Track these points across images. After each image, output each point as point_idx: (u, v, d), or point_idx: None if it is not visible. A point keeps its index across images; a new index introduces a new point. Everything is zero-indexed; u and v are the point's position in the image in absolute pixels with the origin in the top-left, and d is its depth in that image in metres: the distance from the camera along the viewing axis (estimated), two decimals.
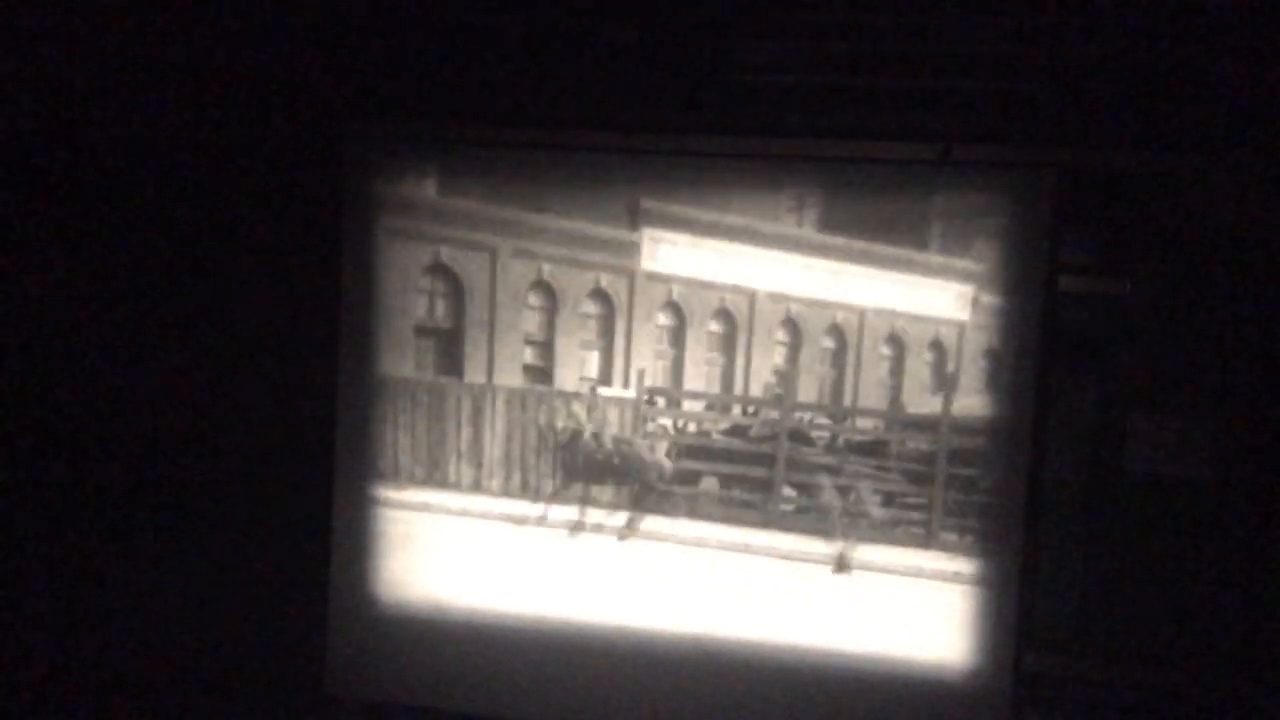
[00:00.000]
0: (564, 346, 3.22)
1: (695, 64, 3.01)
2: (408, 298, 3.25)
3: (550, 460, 3.26)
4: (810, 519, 3.16)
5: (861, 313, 3.11)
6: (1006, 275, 2.97)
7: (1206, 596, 2.99)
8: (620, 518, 3.24)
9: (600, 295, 3.19)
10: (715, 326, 3.17)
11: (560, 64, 3.07)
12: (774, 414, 3.16)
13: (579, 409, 3.23)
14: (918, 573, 3.09)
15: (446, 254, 3.24)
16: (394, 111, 3.20)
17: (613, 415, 3.22)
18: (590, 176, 3.14)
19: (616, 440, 3.23)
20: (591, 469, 3.25)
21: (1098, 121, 2.90)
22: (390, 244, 3.24)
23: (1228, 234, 2.92)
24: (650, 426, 3.23)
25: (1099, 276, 2.99)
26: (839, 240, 3.07)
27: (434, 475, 3.31)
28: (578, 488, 3.27)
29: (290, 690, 3.36)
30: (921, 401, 3.09)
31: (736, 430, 3.20)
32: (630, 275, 3.17)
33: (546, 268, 3.20)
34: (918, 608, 3.08)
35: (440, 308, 3.26)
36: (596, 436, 3.23)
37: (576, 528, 3.26)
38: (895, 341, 3.10)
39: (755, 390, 3.17)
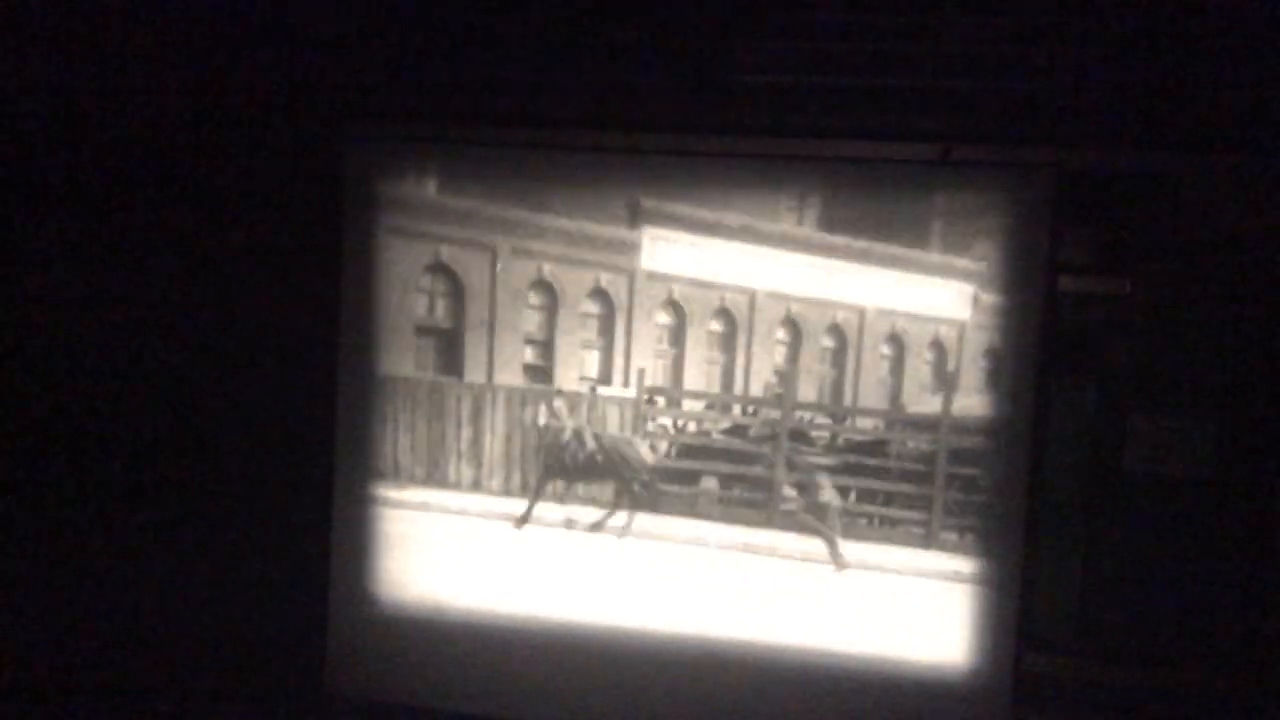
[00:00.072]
0: (564, 346, 3.22)
1: (695, 64, 3.01)
2: (408, 297, 3.25)
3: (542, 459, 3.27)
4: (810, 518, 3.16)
5: (862, 312, 3.11)
6: (1006, 275, 2.97)
7: (1206, 596, 2.99)
8: (601, 514, 3.24)
9: (600, 294, 3.19)
10: (715, 326, 3.17)
11: (560, 64, 3.07)
12: (774, 413, 3.16)
13: (560, 406, 3.22)
14: (917, 572, 3.09)
15: (447, 253, 3.24)
16: (395, 112, 3.20)
17: (601, 413, 3.22)
18: (590, 176, 3.14)
19: (598, 438, 3.23)
20: (573, 467, 3.26)
21: (1098, 121, 2.90)
22: (391, 243, 3.24)
23: (1228, 234, 2.93)
24: (650, 426, 3.23)
25: (1099, 276, 2.99)
26: (839, 239, 3.07)
27: (434, 475, 3.31)
28: (560, 485, 3.27)
29: (290, 689, 3.35)
30: (921, 401, 3.09)
31: (736, 430, 3.20)
32: (630, 274, 3.17)
33: (547, 267, 3.20)
34: (918, 607, 3.08)
35: (440, 307, 3.26)
36: (578, 434, 3.23)
37: (565, 525, 3.27)
38: (895, 341, 3.10)
39: (755, 390, 3.16)
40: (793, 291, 3.13)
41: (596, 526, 3.25)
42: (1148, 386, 2.99)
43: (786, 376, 3.15)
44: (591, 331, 3.21)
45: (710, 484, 3.22)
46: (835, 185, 3.06)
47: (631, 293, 3.17)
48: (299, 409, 3.29)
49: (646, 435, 3.23)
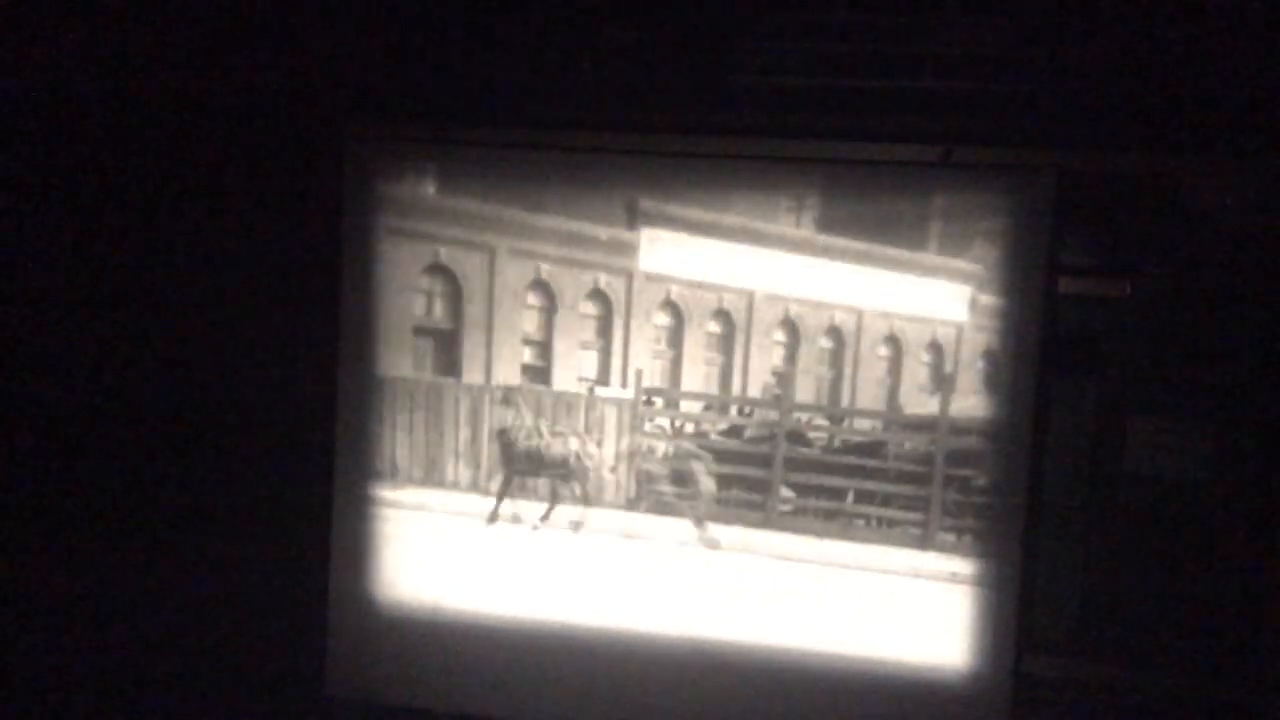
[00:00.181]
0: (562, 346, 3.22)
1: (694, 65, 3.01)
2: (406, 298, 3.26)
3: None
4: (809, 520, 3.16)
5: (860, 313, 3.11)
6: (1006, 276, 2.97)
7: (1206, 598, 2.98)
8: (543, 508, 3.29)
9: (598, 295, 3.19)
10: (714, 327, 3.17)
11: (560, 64, 3.07)
12: (772, 414, 3.16)
13: (516, 400, 3.23)
14: (915, 573, 3.08)
15: (445, 254, 3.24)
16: (394, 112, 3.20)
17: (599, 414, 3.22)
18: (589, 177, 3.14)
19: (550, 433, 3.23)
20: (523, 461, 3.26)
21: (1098, 121, 2.89)
22: (390, 244, 3.24)
23: (1228, 234, 2.92)
24: (648, 427, 3.23)
25: (1099, 278, 2.98)
26: (838, 241, 3.07)
27: (432, 475, 3.31)
28: (513, 480, 3.28)
29: (290, 691, 3.36)
30: (919, 402, 3.09)
31: (734, 431, 3.20)
32: (629, 275, 3.17)
33: (545, 268, 3.20)
34: (916, 609, 3.08)
35: (439, 308, 3.26)
36: (529, 431, 3.24)
37: (514, 519, 3.29)
38: (893, 342, 3.10)
39: (753, 390, 3.16)
40: (791, 292, 3.13)
41: (544, 523, 3.28)
42: (1148, 388, 2.98)
43: (784, 377, 3.15)
44: (590, 332, 3.21)
45: (708, 485, 3.22)
46: (834, 187, 3.06)
47: (630, 293, 3.17)
48: (299, 410, 3.30)
49: (645, 436, 3.24)
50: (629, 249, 3.16)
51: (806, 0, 2.95)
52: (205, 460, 3.36)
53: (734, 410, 3.20)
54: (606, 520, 3.25)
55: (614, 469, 3.23)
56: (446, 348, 3.26)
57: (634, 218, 3.14)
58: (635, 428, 3.22)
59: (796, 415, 3.15)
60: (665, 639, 3.19)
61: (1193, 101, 2.83)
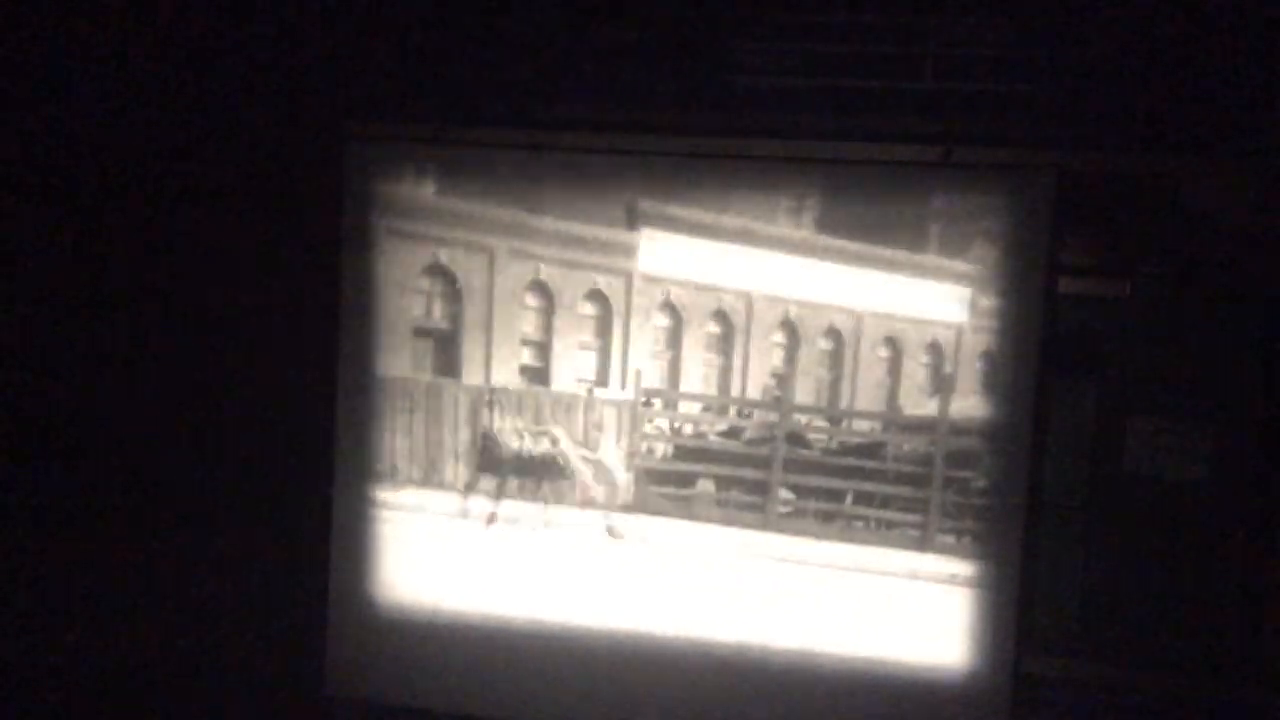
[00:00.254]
0: (561, 347, 3.22)
1: (694, 66, 3.01)
2: (406, 298, 3.26)
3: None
4: (808, 521, 3.16)
5: (859, 314, 3.10)
6: (1005, 276, 2.96)
7: (1206, 598, 2.98)
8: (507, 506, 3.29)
9: (597, 296, 3.19)
10: (713, 328, 3.17)
11: (560, 64, 3.07)
12: (772, 416, 3.16)
13: (500, 401, 3.23)
14: (914, 575, 3.08)
15: (445, 255, 3.24)
16: (394, 113, 3.20)
17: (598, 415, 3.22)
18: (588, 178, 3.13)
19: (532, 434, 3.24)
20: (507, 463, 3.27)
21: (1098, 121, 2.89)
22: (389, 244, 3.24)
23: (1228, 234, 2.91)
24: (647, 428, 3.23)
25: (1099, 278, 2.98)
26: (837, 242, 3.07)
27: (431, 476, 3.31)
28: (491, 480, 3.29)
29: (289, 691, 3.36)
30: (919, 403, 3.08)
31: (733, 432, 3.20)
32: (628, 276, 3.17)
33: (544, 269, 3.20)
34: (916, 610, 3.07)
35: (438, 308, 3.26)
36: (512, 432, 3.24)
37: (510, 520, 3.30)
38: (893, 343, 3.10)
39: (753, 392, 3.16)
40: (790, 294, 3.12)
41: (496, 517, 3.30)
42: (1148, 389, 2.97)
43: (783, 379, 3.15)
44: (589, 333, 3.21)
45: (707, 486, 3.22)
46: (834, 187, 3.06)
47: (629, 295, 3.17)
48: (298, 411, 3.30)
49: (644, 437, 3.24)
50: (628, 250, 3.15)
51: (806, 0, 2.95)
52: (205, 460, 3.36)
53: (733, 412, 3.20)
54: (604, 520, 3.25)
55: (594, 464, 3.22)
56: (446, 348, 3.26)
57: (633, 218, 3.14)
58: (634, 429, 3.22)
59: (795, 417, 3.15)
60: (664, 640, 3.19)
61: (1193, 101, 2.83)
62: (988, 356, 2.99)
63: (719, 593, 3.17)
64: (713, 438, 3.21)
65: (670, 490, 3.23)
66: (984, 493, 3.01)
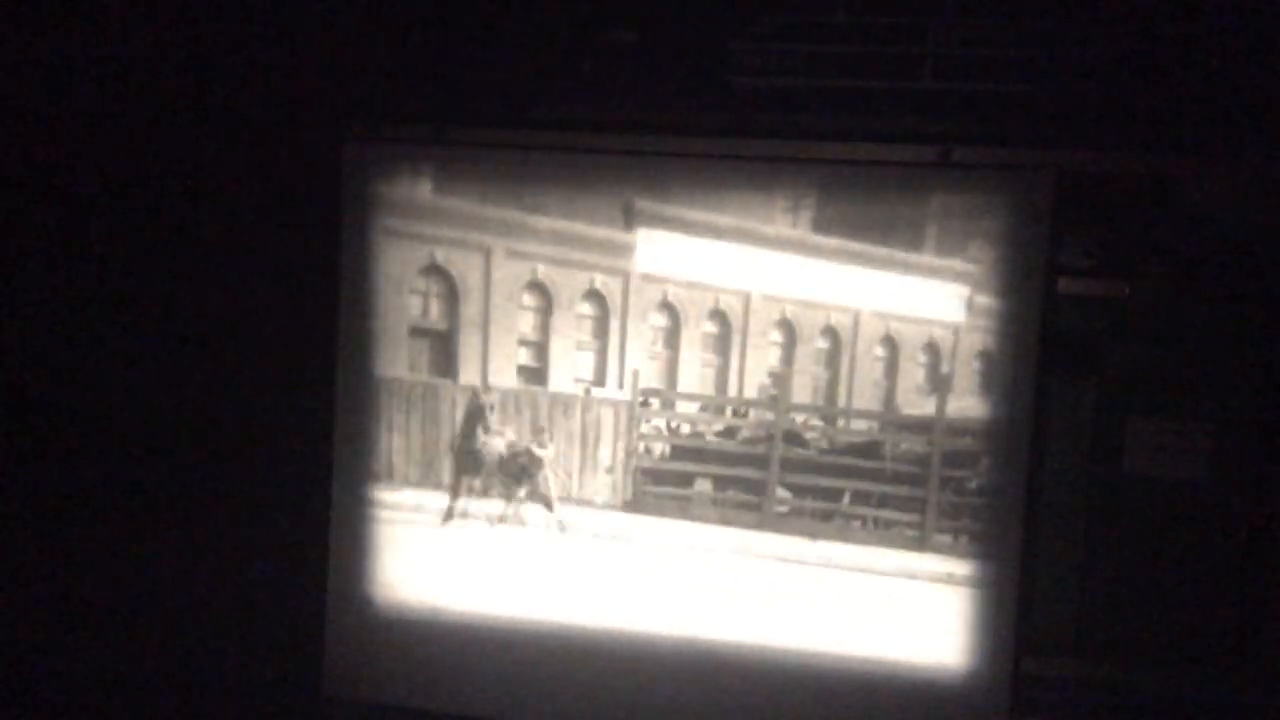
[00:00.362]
0: (558, 347, 3.22)
1: (692, 66, 3.01)
2: (403, 298, 3.25)
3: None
4: (806, 521, 3.16)
5: (856, 314, 3.10)
6: (1004, 277, 2.95)
7: (1205, 598, 2.97)
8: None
9: (595, 296, 3.19)
10: (710, 327, 3.17)
11: (558, 65, 3.07)
12: (769, 415, 3.15)
13: (477, 403, 3.24)
14: (911, 575, 3.08)
15: (442, 255, 3.24)
16: (392, 113, 3.20)
17: (595, 415, 3.22)
18: (586, 177, 3.13)
19: (490, 432, 3.24)
20: (471, 463, 3.28)
21: (1098, 121, 2.88)
22: (387, 245, 3.24)
23: (1228, 234, 2.91)
24: (645, 428, 3.23)
25: (1098, 279, 2.97)
26: (834, 241, 3.06)
27: (429, 477, 3.31)
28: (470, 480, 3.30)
29: (288, 691, 3.36)
30: (916, 403, 3.08)
31: (730, 431, 3.20)
32: (625, 276, 3.16)
33: (541, 268, 3.20)
34: (914, 610, 3.07)
35: (435, 309, 3.26)
36: (473, 434, 3.25)
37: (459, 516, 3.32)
38: (890, 342, 3.09)
39: (750, 391, 3.16)
40: (787, 293, 3.12)
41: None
42: (1147, 389, 2.97)
43: (781, 378, 3.15)
44: (586, 333, 3.21)
45: (704, 486, 3.22)
46: (832, 187, 3.05)
47: (626, 294, 3.16)
48: (297, 411, 3.30)
49: (642, 437, 3.24)
50: (625, 250, 3.15)
51: (806, 0, 2.94)
52: (203, 461, 3.36)
53: (730, 411, 3.19)
54: (603, 521, 3.25)
55: (561, 465, 3.22)
56: (443, 349, 3.26)
57: (630, 218, 3.13)
58: (631, 429, 3.22)
59: (793, 416, 3.15)
60: (663, 640, 3.19)
61: (1193, 101, 2.82)
62: (985, 356, 2.99)
63: (717, 592, 3.17)
64: (710, 437, 3.21)
65: (668, 490, 3.23)
66: (981, 492, 3.01)
